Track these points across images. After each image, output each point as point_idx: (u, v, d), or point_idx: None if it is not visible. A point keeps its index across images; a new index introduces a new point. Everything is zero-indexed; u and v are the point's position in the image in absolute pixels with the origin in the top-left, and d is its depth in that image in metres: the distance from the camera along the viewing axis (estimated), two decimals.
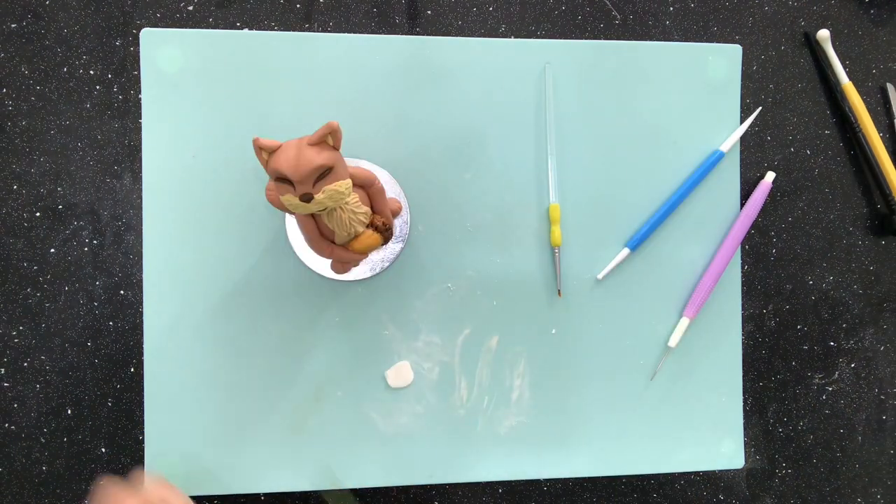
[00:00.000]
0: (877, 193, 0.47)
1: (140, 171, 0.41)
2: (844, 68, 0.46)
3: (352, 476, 0.41)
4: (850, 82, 0.46)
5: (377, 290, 0.42)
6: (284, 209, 0.32)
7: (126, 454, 0.41)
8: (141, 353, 0.41)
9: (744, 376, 0.45)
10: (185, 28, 0.41)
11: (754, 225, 0.45)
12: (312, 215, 0.33)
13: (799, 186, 0.46)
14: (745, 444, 0.45)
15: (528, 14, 0.44)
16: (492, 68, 0.42)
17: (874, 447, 0.47)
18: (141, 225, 0.41)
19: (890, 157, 0.46)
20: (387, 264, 0.41)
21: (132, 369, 0.41)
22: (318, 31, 0.42)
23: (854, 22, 0.47)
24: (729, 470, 0.45)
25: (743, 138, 0.45)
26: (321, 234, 0.34)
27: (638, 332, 0.44)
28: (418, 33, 0.43)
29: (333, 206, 0.31)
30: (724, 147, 0.44)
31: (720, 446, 0.44)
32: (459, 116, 0.42)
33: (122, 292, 0.41)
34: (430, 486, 0.43)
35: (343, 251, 0.35)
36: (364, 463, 0.42)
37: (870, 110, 0.46)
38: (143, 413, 0.41)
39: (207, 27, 0.42)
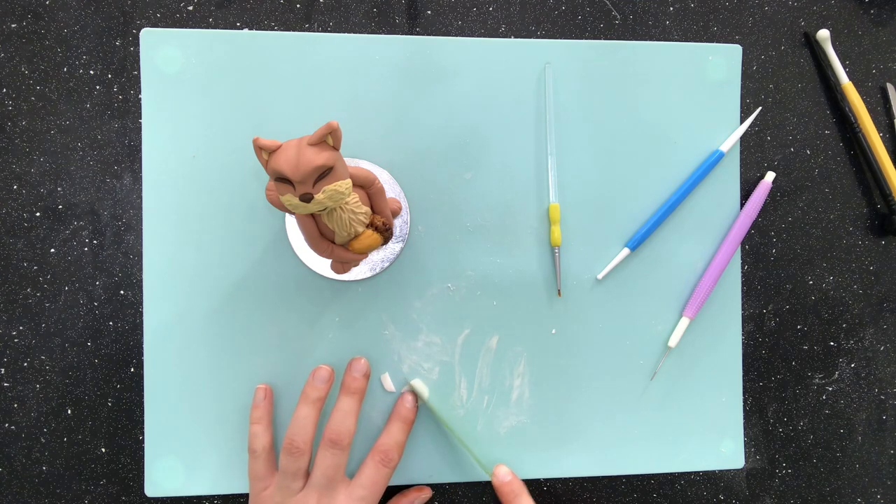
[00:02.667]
0: (877, 193, 0.47)
1: (140, 171, 0.41)
2: (844, 68, 0.46)
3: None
4: (850, 82, 0.46)
5: (377, 290, 0.42)
6: (284, 209, 0.32)
7: (126, 454, 0.41)
8: (141, 353, 0.41)
9: (744, 376, 0.45)
10: (185, 28, 0.41)
11: (754, 225, 0.45)
12: (312, 215, 0.33)
13: (799, 186, 0.46)
14: (745, 444, 0.45)
15: (528, 14, 0.44)
16: (492, 68, 0.42)
17: (874, 447, 0.47)
18: (141, 225, 0.41)
19: (890, 157, 0.46)
20: (387, 264, 0.41)
21: (132, 369, 0.41)
22: (318, 31, 0.42)
23: (854, 22, 0.47)
24: (729, 470, 0.45)
25: (743, 138, 0.45)
26: (321, 234, 0.34)
27: (638, 332, 0.44)
28: (418, 33, 0.43)
29: (333, 206, 0.31)
30: (724, 147, 0.44)
31: (720, 446, 0.44)
32: (459, 116, 0.42)
33: (122, 292, 0.41)
34: (430, 486, 0.43)
35: (343, 251, 0.35)
36: None
37: (870, 110, 0.46)
38: (143, 413, 0.41)
39: (207, 27, 0.42)
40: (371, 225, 0.34)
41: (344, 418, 0.38)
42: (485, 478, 0.42)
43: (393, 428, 0.40)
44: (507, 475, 0.40)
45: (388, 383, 0.42)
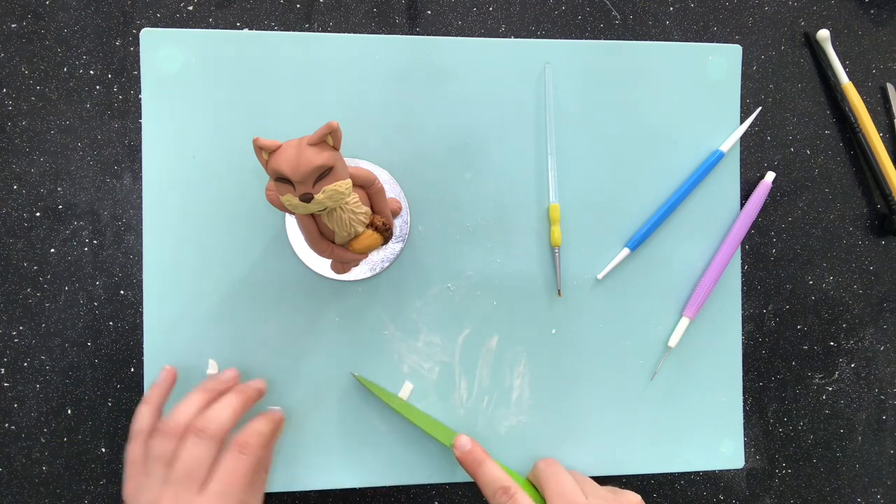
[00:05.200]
0: (877, 193, 0.47)
1: (140, 171, 0.41)
2: (844, 68, 0.46)
3: (352, 476, 0.41)
4: (850, 82, 0.46)
5: (377, 290, 0.42)
6: (284, 209, 0.32)
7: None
8: (141, 353, 0.41)
9: (744, 376, 0.45)
10: (185, 28, 0.41)
11: (754, 225, 0.45)
12: (312, 215, 0.33)
13: (799, 186, 0.46)
14: (745, 444, 0.45)
15: (528, 14, 0.44)
16: (492, 68, 0.42)
17: (874, 447, 0.47)
18: (141, 225, 0.41)
19: (890, 157, 0.46)
20: (387, 264, 0.41)
21: (132, 369, 0.41)
22: (318, 31, 0.42)
23: (854, 22, 0.47)
24: (729, 470, 0.45)
25: (743, 138, 0.45)
26: (321, 234, 0.34)
27: (638, 332, 0.44)
28: (418, 33, 0.43)
29: (333, 206, 0.31)
30: (724, 147, 0.44)
31: (720, 446, 0.44)
32: (459, 116, 0.42)
33: (122, 292, 0.41)
34: (430, 486, 0.43)
35: (343, 251, 0.35)
36: (364, 463, 0.42)
37: (870, 110, 0.46)
38: None
39: (207, 27, 0.42)
40: (371, 225, 0.34)
41: (221, 409, 0.35)
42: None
43: (255, 420, 0.37)
44: (467, 444, 0.38)
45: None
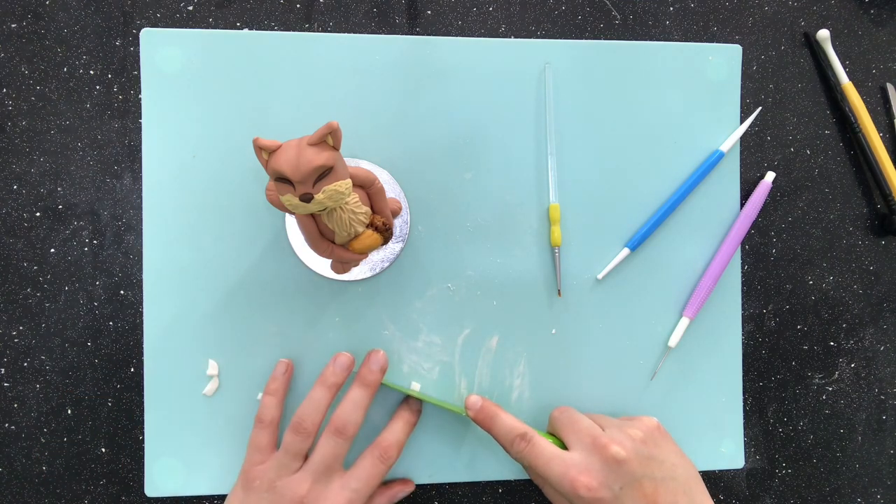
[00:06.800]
0: (877, 193, 0.47)
1: (140, 171, 0.41)
2: (844, 68, 0.46)
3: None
4: (850, 82, 0.46)
5: (377, 290, 0.42)
6: (284, 209, 0.32)
7: (126, 454, 0.41)
8: (141, 353, 0.41)
9: (744, 376, 0.45)
10: (185, 28, 0.41)
11: (754, 225, 0.45)
12: (312, 215, 0.33)
13: (799, 186, 0.46)
14: (745, 444, 0.45)
15: (528, 14, 0.44)
16: (492, 68, 0.42)
17: (874, 447, 0.47)
18: (141, 225, 0.41)
19: (890, 157, 0.46)
20: (387, 264, 0.41)
21: (132, 369, 0.41)
22: (318, 31, 0.42)
23: (854, 22, 0.47)
24: (729, 470, 0.45)
25: (743, 138, 0.45)
26: (321, 234, 0.34)
27: (638, 332, 0.44)
28: (418, 33, 0.43)
29: (333, 206, 0.31)
30: (724, 147, 0.44)
31: (720, 446, 0.44)
32: (459, 116, 0.42)
33: (122, 292, 0.41)
34: (430, 486, 0.43)
35: (343, 251, 0.35)
36: None
37: (870, 110, 0.46)
38: (143, 413, 0.41)
39: (207, 27, 0.42)
40: (371, 225, 0.34)
41: (353, 409, 0.38)
42: (482, 478, 0.42)
43: (396, 426, 0.40)
44: (478, 402, 0.39)
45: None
